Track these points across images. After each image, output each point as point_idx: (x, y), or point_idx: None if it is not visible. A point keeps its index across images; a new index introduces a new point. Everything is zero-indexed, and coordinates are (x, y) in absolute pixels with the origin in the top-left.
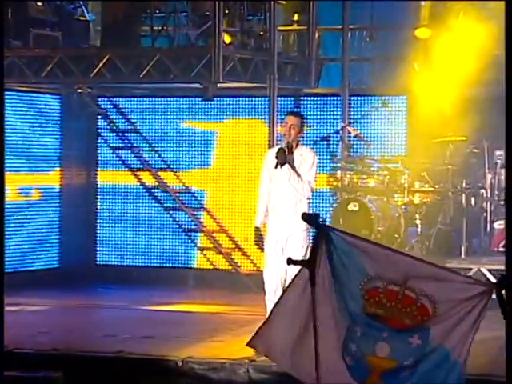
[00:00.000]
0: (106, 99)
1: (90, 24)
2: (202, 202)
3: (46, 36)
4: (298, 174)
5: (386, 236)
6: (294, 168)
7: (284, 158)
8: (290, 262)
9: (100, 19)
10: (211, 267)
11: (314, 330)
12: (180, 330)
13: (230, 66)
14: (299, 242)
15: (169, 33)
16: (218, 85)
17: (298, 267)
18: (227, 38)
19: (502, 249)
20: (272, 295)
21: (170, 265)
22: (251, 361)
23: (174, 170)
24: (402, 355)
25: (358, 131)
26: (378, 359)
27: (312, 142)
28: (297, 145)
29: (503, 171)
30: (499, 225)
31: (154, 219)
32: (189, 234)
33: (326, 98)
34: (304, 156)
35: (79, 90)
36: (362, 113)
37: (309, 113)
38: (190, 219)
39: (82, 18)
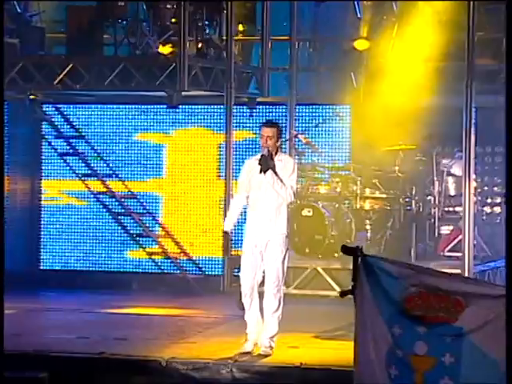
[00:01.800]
0: (50, 105)
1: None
2: (147, 208)
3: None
4: (281, 180)
5: (339, 240)
6: (276, 174)
7: (267, 164)
8: (342, 294)
9: (57, 27)
10: (158, 271)
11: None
12: (149, 332)
13: (193, 74)
14: (279, 247)
15: (131, 41)
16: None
17: (276, 272)
18: (168, 49)
19: (447, 253)
20: (248, 298)
21: (116, 269)
22: (234, 361)
23: (120, 176)
24: (439, 351)
25: (309, 139)
26: (418, 358)
27: None
28: (276, 151)
29: (450, 179)
30: (445, 230)
31: (99, 224)
32: (136, 238)
33: (272, 107)
34: (284, 162)
35: (31, 97)
36: (309, 121)
37: (260, 121)
38: (136, 224)
39: (38, 26)
